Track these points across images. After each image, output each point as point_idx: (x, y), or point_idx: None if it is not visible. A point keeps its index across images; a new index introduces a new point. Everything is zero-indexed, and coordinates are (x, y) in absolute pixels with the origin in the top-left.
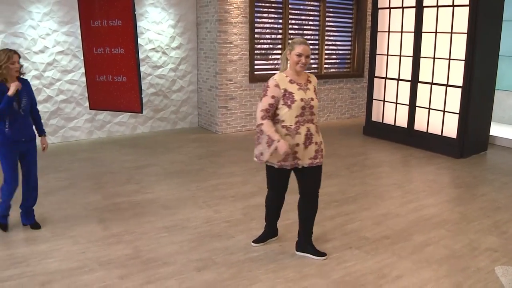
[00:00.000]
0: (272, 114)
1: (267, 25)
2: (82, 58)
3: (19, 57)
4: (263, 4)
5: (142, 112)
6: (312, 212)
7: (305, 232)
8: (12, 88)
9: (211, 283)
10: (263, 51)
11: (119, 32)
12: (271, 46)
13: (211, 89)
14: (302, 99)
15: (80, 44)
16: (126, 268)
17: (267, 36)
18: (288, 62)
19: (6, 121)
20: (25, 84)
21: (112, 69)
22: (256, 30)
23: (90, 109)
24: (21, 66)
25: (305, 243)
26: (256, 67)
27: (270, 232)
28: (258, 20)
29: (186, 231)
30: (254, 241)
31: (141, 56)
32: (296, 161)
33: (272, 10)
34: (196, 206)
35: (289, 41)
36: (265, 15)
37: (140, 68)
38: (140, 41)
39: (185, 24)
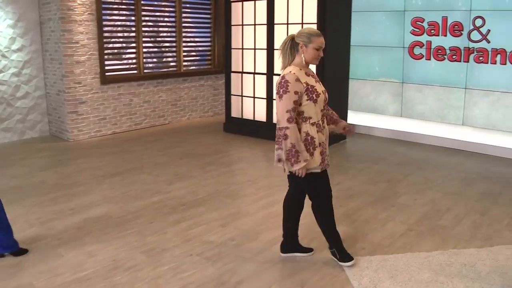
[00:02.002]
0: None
1: (118, 23)
2: None
3: None
4: (112, 1)
5: None
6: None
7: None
8: None
9: None
10: (116, 51)
11: None
12: (124, 45)
13: (59, 94)
14: (322, 92)
15: None
16: None
17: (119, 34)
18: (302, 55)
19: None
20: None
21: None
22: (106, 29)
23: None
24: None
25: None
26: (107, 67)
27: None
28: (107, 17)
29: (8, 255)
30: (350, 260)
31: None
32: (328, 158)
33: (123, 6)
34: (27, 224)
35: (295, 33)
36: (116, 12)
37: None
38: None
39: (26, 23)
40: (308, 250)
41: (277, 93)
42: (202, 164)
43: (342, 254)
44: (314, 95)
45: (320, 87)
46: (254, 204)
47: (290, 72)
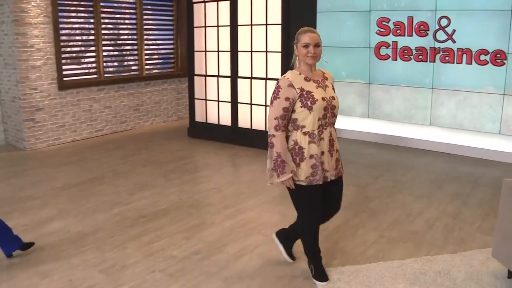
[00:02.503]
0: (287, 120)
1: (77, 25)
2: None
3: None
4: (69, 2)
5: None
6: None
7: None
8: None
9: None
10: (74, 55)
11: None
12: (83, 48)
13: (14, 100)
14: (323, 98)
15: None
16: None
17: (78, 37)
18: (297, 57)
19: None
20: None
21: None
22: (63, 32)
23: None
24: None
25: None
26: (66, 72)
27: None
28: (64, 20)
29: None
30: (323, 280)
31: None
32: (325, 173)
33: (81, 8)
34: None
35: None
36: (73, 14)
37: None
38: None
39: None
40: (292, 257)
41: (270, 99)
42: (165, 172)
43: (318, 271)
44: (309, 102)
45: (321, 93)
46: (219, 214)
47: (284, 77)
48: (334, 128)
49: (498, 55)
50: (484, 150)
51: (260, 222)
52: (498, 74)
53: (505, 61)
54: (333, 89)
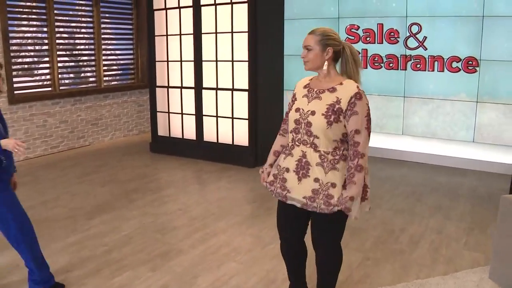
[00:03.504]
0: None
1: (28, 34)
2: None
3: None
4: (20, 10)
5: None
6: (326, 270)
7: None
8: None
9: None
10: (26, 66)
11: None
12: (36, 59)
13: None
14: (297, 110)
15: None
16: None
17: (30, 47)
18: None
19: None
20: None
21: None
22: (13, 41)
23: None
24: None
25: None
26: (17, 85)
27: None
28: (15, 28)
29: None
30: None
31: None
32: (285, 193)
33: (33, 16)
34: None
35: None
36: (25, 22)
37: None
38: None
39: None
40: None
41: None
42: (126, 191)
43: None
44: (288, 111)
45: (301, 104)
46: (187, 239)
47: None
48: (315, 151)
49: (470, 62)
50: (458, 159)
51: (233, 247)
52: (470, 81)
53: (477, 68)
54: (333, 105)
